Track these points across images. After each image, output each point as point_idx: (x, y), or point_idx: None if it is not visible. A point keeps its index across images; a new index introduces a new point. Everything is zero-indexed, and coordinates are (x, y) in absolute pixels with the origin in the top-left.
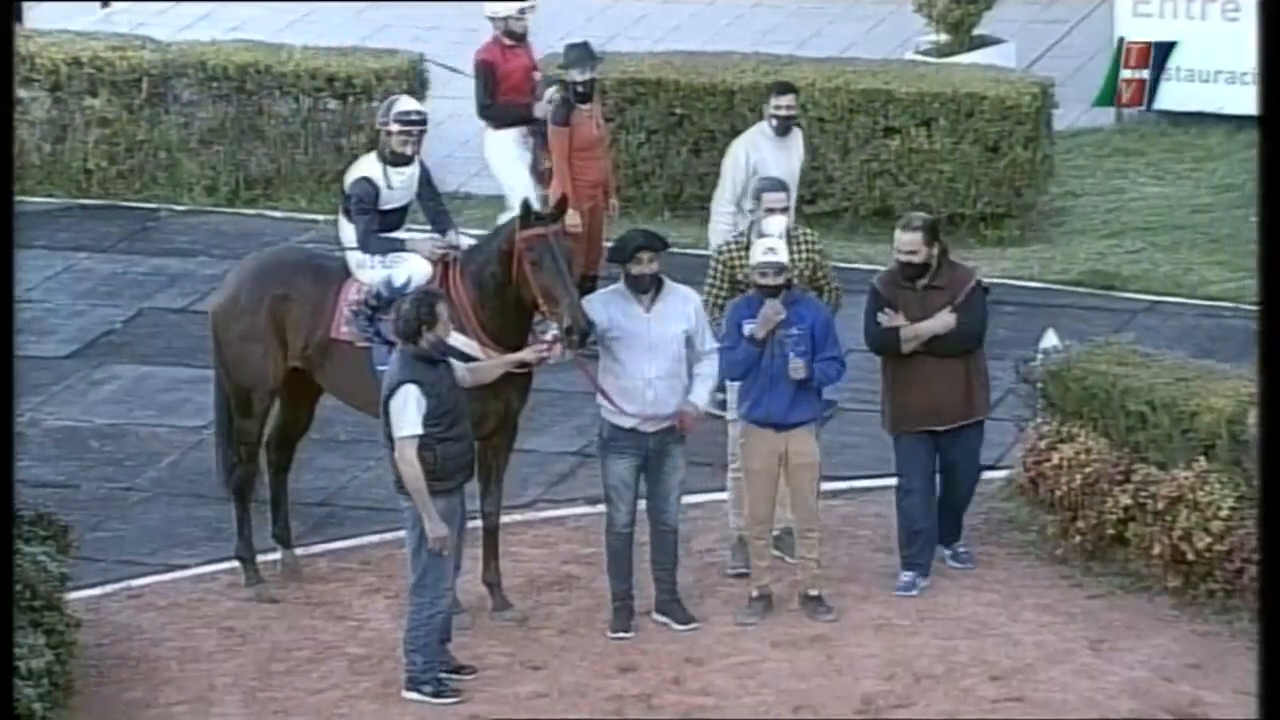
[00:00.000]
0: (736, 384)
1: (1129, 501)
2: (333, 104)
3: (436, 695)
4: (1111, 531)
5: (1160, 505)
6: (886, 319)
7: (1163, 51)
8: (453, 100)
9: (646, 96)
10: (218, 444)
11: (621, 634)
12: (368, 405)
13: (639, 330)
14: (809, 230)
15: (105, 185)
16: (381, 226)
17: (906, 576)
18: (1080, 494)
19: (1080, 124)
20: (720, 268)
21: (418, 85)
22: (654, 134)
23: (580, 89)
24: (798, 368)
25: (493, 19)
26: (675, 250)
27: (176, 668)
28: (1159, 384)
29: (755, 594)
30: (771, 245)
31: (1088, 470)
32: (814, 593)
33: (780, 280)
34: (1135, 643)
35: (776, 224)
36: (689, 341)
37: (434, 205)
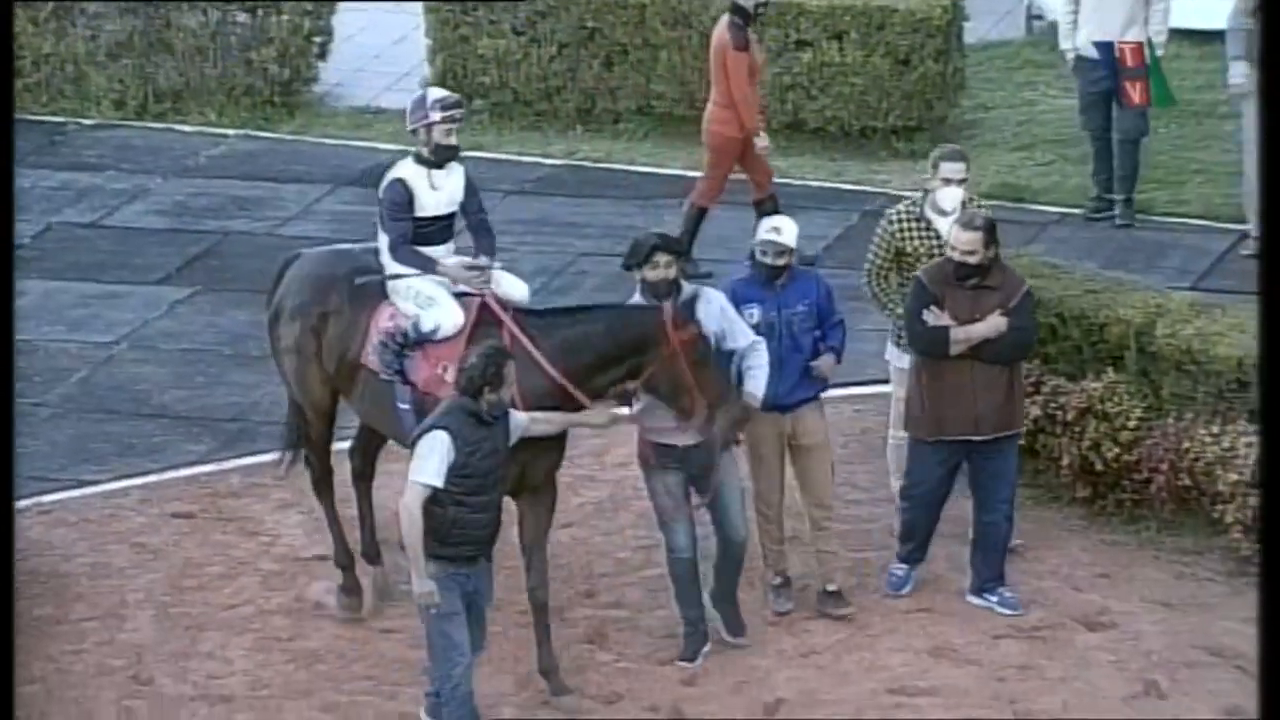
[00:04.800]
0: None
1: (1039, 413)
2: (242, 17)
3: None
4: (1021, 443)
5: (1069, 416)
6: (933, 318)
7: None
8: (363, 13)
9: (558, 9)
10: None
11: (688, 663)
12: (393, 436)
13: None
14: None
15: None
16: (421, 239)
17: (900, 570)
18: None
19: (991, 37)
20: (886, 237)
21: None
22: (565, 48)
23: (762, 9)
24: (828, 369)
25: None
26: (586, 164)
27: (88, 583)
28: (1069, 296)
29: (779, 580)
30: (777, 224)
31: None
32: (832, 587)
33: (780, 262)
34: (1045, 553)
35: (952, 197)
36: (720, 342)
37: (478, 216)
